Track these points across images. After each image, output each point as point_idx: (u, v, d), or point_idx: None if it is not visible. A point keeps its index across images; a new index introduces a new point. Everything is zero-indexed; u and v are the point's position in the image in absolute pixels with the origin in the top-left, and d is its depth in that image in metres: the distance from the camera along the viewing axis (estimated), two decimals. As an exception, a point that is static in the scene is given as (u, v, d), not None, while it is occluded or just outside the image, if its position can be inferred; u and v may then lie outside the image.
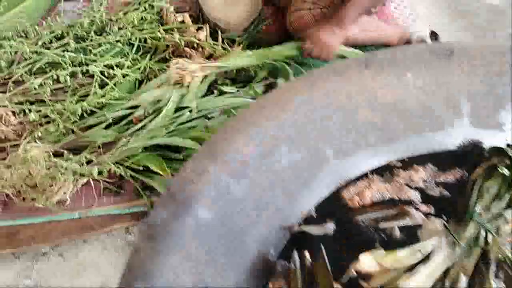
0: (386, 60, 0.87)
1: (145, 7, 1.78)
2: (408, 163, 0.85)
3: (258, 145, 0.75)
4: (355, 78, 0.86)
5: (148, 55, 1.69)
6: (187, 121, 1.45)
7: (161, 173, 1.33)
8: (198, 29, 1.80)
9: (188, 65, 1.56)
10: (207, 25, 1.78)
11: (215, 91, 1.58)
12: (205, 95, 1.55)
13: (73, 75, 1.48)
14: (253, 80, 1.63)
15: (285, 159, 0.78)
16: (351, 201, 0.80)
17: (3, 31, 1.60)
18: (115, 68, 1.54)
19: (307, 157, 0.82)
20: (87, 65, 1.53)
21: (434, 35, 1.83)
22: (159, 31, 1.71)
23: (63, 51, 1.62)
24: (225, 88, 1.58)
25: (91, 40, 1.67)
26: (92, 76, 1.52)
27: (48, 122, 1.44)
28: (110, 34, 1.72)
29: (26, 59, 1.54)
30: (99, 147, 1.37)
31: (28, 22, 1.87)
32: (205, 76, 1.59)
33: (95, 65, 1.46)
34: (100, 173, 1.31)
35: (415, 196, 0.80)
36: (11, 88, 1.39)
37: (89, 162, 1.34)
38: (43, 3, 1.98)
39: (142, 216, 1.31)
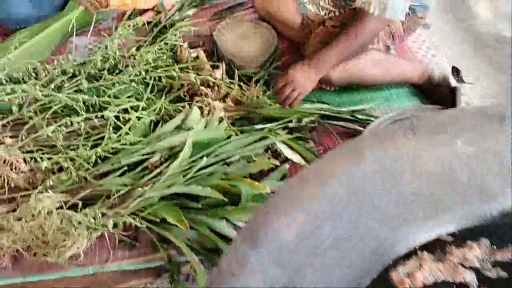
0: (434, 125, 0.81)
1: (159, 45, 1.73)
2: (460, 238, 0.78)
3: (301, 227, 0.69)
4: (400, 145, 0.79)
5: (163, 95, 1.64)
6: (205, 167, 1.39)
7: (178, 225, 1.26)
8: (213, 66, 1.75)
9: (211, 102, 1.53)
10: (223, 62, 1.73)
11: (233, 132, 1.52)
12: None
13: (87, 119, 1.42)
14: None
15: (329, 239, 0.72)
16: (401, 283, 0.73)
17: (13, 71, 1.55)
18: (130, 110, 1.48)
19: (352, 234, 0.75)
20: (101, 109, 1.47)
21: (456, 71, 1.78)
22: (174, 69, 1.66)
23: (76, 91, 1.57)
24: (244, 129, 1.52)
25: (104, 79, 1.62)
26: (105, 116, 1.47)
27: (60, 168, 1.38)
28: (123, 72, 1.67)
29: (37, 100, 1.49)
30: (113, 195, 1.31)
31: (39, 58, 1.82)
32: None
33: (110, 110, 1.40)
34: (115, 225, 1.25)
35: (471, 278, 0.73)
36: (23, 137, 1.33)
37: (103, 213, 1.27)
38: (54, 38, 1.94)
39: (159, 272, 1.24)
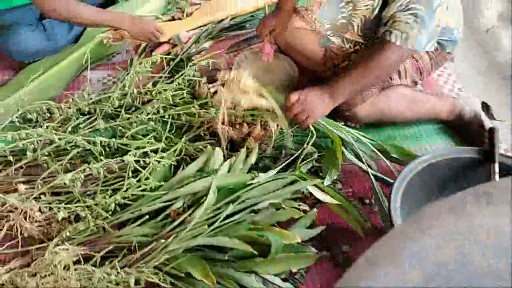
0: (510, 193, 0.73)
1: (178, 82, 1.66)
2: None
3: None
4: (474, 215, 0.71)
5: (182, 134, 1.56)
6: (231, 214, 1.30)
7: (205, 280, 1.17)
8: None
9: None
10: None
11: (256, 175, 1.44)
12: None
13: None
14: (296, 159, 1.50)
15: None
16: None
17: (27, 112, 1.48)
18: (149, 152, 1.40)
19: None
20: (118, 149, 1.40)
21: (486, 107, 1.71)
22: (193, 106, 1.59)
23: (91, 130, 1.50)
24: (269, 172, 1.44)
25: (121, 118, 1.55)
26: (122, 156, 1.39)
27: (76, 216, 1.30)
28: (140, 110, 1.60)
29: (52, 141, 1.41)
30: (134, 247, 1.22)
31: (52, 93, 1.76)
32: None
33: (130, 154, 1.32)
34: (137, 281, 1.16)
35: None
36: (39, 185, 1.25)
37: (124, 268, 1.18)
38: (68, 72, 1.87)
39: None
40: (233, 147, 1.59)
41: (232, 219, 1.29)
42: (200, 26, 2.05)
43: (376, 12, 1.51)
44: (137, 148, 1.41)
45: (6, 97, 1.71)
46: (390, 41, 1.40)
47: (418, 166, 1.36)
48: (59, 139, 1.34)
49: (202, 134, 1.59)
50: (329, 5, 1.66)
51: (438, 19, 1.46)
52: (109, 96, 1.63)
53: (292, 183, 1.37)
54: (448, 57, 1.71)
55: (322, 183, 1.41)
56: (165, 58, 1.82)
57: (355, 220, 1.37)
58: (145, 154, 1.40)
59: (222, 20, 2.10)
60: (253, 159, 1.45)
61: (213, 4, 2.11)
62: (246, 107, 1.52)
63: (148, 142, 1.42)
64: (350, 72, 1.45)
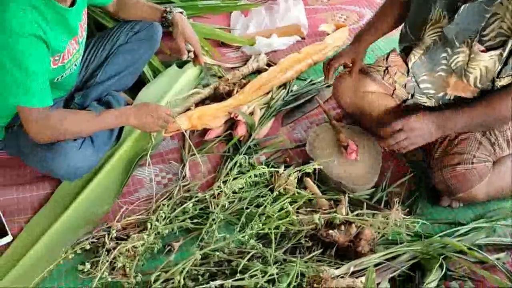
0: None
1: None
2: None
3: None
4: None
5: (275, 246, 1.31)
6: None
7: None
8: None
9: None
10: (346, 196, 1.43)
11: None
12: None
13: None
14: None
15: None
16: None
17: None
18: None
19: None
20: None
21: None
22: (293, 213, 1.35)
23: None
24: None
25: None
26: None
27: None
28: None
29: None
30: None
31: (104, 206, 1.48)
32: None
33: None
34: None
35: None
36: None
37: None
38: (113, 179, 1.58)
39: None
40: (337, 252, 1.36)
41: None
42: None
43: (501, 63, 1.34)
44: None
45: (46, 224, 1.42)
46: None
47: None
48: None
49: (303, 243, 1.35)
50: (428, 57, 1.47)
51: None
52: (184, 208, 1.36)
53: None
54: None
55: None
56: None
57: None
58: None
59: (268, 93, 1.87)
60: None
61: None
62: None
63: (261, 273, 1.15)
64: (466, 109, 1.37)
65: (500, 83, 1.35)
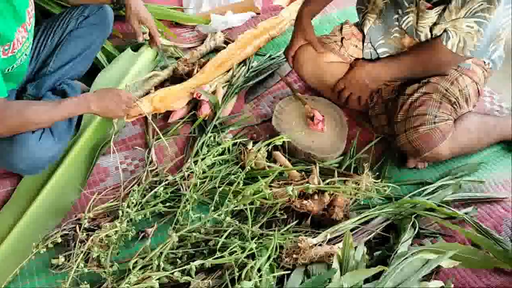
0: None
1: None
2: None
3: None
4: None
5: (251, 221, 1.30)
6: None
7: None
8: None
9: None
10: (317, 165, 1.44)
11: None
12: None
13: None
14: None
15: None
16: None
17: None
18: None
19: None
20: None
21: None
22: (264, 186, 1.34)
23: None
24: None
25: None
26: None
27: None
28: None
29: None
30: None
31: (71, 197, 1.42)
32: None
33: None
34: None
35: None
36: None
37: None
38: (78, 168, 1.52)
39: None
40: (312, 221, 1.37)
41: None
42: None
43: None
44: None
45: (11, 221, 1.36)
46: (447, 46, 1.40)
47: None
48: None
49: (279, 215, 1.35)
50: (382, 21, 1.52)
51: (501, 32, 1.44)
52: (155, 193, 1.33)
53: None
54: (492, 74, 1.61)
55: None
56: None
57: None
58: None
59: (229, 71, 1.85)
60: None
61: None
62: None
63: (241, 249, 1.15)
64: (397, 60, 1.51)
65: (434, 31, 1.42)
